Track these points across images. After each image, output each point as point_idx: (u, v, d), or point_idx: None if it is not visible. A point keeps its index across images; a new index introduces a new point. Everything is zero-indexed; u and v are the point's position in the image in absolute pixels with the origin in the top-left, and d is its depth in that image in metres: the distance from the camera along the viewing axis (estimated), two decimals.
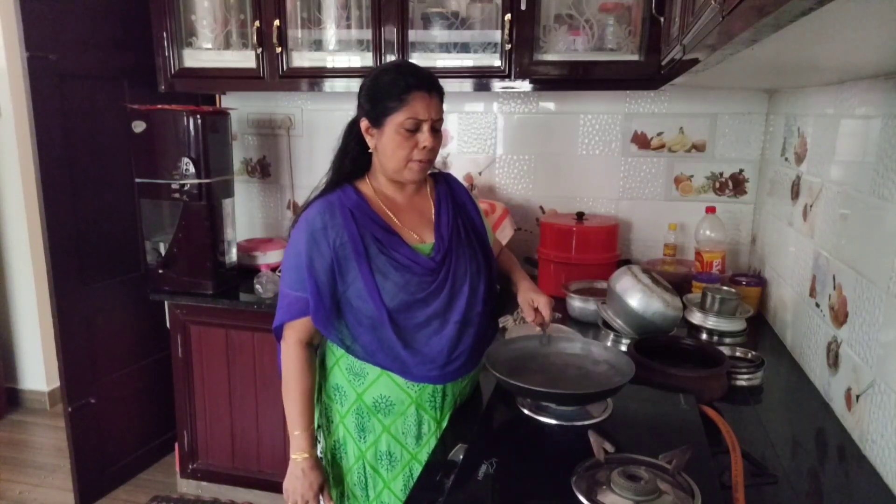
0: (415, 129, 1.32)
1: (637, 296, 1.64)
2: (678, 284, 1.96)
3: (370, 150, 1.38)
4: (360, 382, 1.39)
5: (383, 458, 1.41)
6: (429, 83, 1.34)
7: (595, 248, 2.25)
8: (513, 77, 2.18)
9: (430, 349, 1.36)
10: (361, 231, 1.33)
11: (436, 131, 1.35)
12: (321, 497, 1.42)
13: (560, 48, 2.18)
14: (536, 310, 1.44)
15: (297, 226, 1.37)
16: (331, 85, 2.34)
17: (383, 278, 1.32)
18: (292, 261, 1.36)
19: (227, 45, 2.47)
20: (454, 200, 1.49)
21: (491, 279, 1.48)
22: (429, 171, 1.44)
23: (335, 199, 1.36)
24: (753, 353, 1.61)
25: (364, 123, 1.36)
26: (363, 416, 1.40)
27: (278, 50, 2.31)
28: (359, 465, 1.43)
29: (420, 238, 1.40)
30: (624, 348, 1.63)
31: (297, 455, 1.39)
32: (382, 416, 1.39)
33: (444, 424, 1.42)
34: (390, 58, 2.24)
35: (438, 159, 2.61)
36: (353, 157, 1.41)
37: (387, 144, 1.34)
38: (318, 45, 2.39)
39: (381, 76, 1.35)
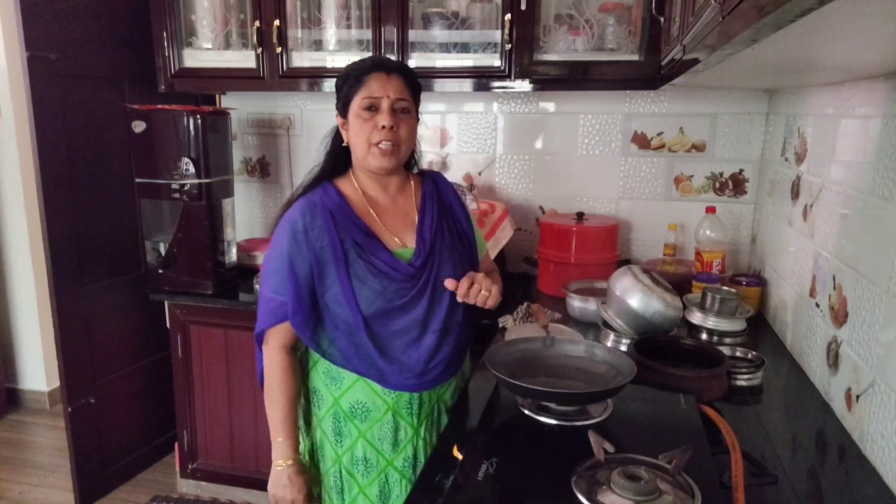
0: (372, 108, 1.30)
1: (637, 296, 1.64)
2: (678, 284, 1.96)
3: (345, 145, 1.37)
4: (336, 387, 1.37)
5: (359, 463, 1.39)
6: (387, 65, 1.33)
7: (595, 248, 2.25)
8: (513, 77, 2.18)
9: (407, 357, 1.33)
10: (341, 235, 1.30)
11: (400, 113, 1.32)
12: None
13: (560, 48, 2.18)
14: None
15: (280, 226, 1.34)
16: (331, 85, 2.32)
17: (360, 284, 1.29)
18: (275, 263, 1.32)
19: (227, 45, 2.47)
20: (441, 202, 1.44)
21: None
22: (399, 161, 1.36)
23: (317, 199, 1.33)
24: (753, 353, 1.61)
25: (338, 119, 1.37)
26: (340, 421, 1.38)
27: (278, 50, 2.31)
28: (335, 468, 1.41)
29: (402, 242, 1.37)
30: (624, 348, 1.63)
31: (282, 462, 1.37)
32: (359, 422, 1.37)
33: (422, 431, 1.40)
34: (390, 58, 2.24)
35: (437, 159, 2.61)
36: (334, 155, 1.40)
37: (351, 132, 1.33)
38: (318, 45, 2.39)
39: (346, 69, 1.35)
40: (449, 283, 1.32)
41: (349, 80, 1.33)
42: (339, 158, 1.40)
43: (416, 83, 1.37)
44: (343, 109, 1.35)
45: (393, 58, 2.20)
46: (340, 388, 1.37)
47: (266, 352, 1.38)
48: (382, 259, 1.32)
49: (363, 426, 1.37)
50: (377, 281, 1.30)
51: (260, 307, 1.36)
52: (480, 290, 1.31)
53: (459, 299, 1.32)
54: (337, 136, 1.41)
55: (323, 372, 1.39)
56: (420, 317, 1.33)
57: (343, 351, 1.33)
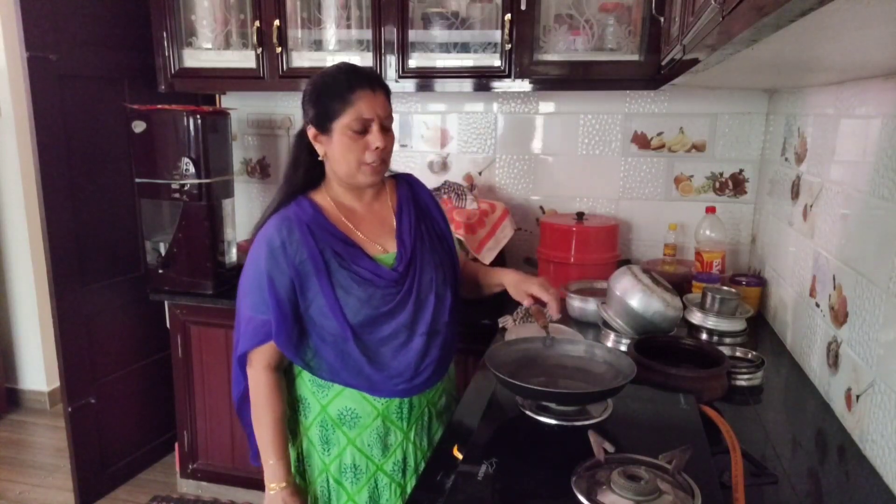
0: (363, 130, 1.26)
1: (637, 296, 1.64)
2: (678, 284, 1.96)
3: (321, 159, 1.33)
4: (324, 394, 1.35)
5: (348, 470, 1.37)
6: (372, 80, 1.29)
7: (595, 248, 2.25)
8: (513, 77, 2.18)
9: (397, 363, 1.32)
10: (320, 246, 1.28)
11: (386, 130, 1.30)
12: None
13: (560, 48, 2.18)
14: (538, 299, 1.38)
15: (255, 243, 1.31)
16: None
17: (345, 294, 1.27)
18: (253, 282, 1.29)
19: (227, 45, 2.47)
20: (417, 204, 1.43)
21: (457, 287, 1.43)
22: (386, 173, 1.37)
23: (292, 213, 1.30)
24: (753, 353, 1.61)
25: (311, 131, 1.31)
26: (327, 429, 1.36)
27: (278, 50, 2.31)
28: (322, 478, 1.39)
29: (383, 248, 1.35)
30: (624, 348, 1.63)
31: (275, 485, 1.34)
32: (347, 429, 1.35)
33: (412, 435, 1.39)
34: (390, 58, 2.24)
35: (438, 159, 2.62)
36: (305, 168, 1.35)
37: (336, 150, 1.28)
38: (318, 45, 2.39)
39: (322, 79, 1.30)
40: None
41: (334, 97, 1.26)
42: (311, 173, 1.36)
43: (390, 92, 1.34)
44: (323, 126, 1.28)
45: (393, 58, 2.23)
46: (328, 396, 1.35)
47: (251, 374, 1.34)
48: (365, 266, 1.30)
49: (352, 433, 1.35)
50: (362, 289, 1.28)
51: (240, 328, 1.32)
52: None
53: (556, 317, 1.38)
54: (304, 148, 1.35)
55: (309, 380, 1.37)
56: (407, 321, 1.32)
57: (330, 364, 1.31)
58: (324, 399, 1.36)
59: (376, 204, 1.40)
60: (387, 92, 1.32)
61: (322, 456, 1.38)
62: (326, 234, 1.30)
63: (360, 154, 1.28)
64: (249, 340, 1.31)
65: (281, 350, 1.30)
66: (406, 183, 1.46)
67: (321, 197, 1.36)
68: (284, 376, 1.40)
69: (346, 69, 1.31)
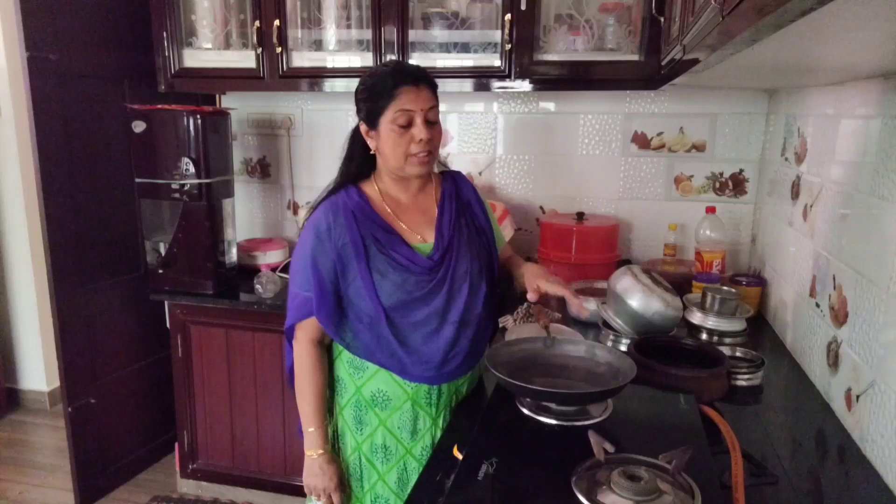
0: (408, 124, 1.33)
1: (637, 296, 1.64)
2: (678, 284, 1.96)
3: (373, 153, 1.41)
4: (359, 376, 1.42)
5: (379, 450, 1.43)
6: (414, 75, 1.35)
7: (595, 248, 2.25)
8: (513, 77, 2.18)
9: (427, 349, 1.38)
10: (362, 232, 1.36)
11: (431, 123, 1.35)
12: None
13: (560, 48, 2.18)
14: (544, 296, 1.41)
15: (305, 228, 1.41)
16: (331, 85, 2.34)
17: (381, 277, 1.35)
18: (300, 262, 1.39)
19: (227, 45, 2.47)
20: (459, 199, 1.50)
21: (493, 280, 1.48)
22: (434, 165, 1.45)
23: (339, 200, 1.40)
24: (753, 353, 1.61)
25: (363, 127, 1.40)
26: (361, 409, 1.43)
27: (278, 50, 2.31)
28: (355, 456, 1.46)
29: (422, 238, 1.42)
30: (624, 348, 1.63)
31: (313, 451, 1.43)
32: (379, 410, 1.42)
33: (440, 421, 1.44)
34: (390, 58, 2.24)
35: (439, 159, 2.61)
36: (358, 162, 1.44)
37: (385, 143, 1.36)
38: (318, 45, 2.39)
39: (370, 79, 1.38)
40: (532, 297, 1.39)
41: (380, 95, 1.33)
42: (363, 165, 1.45)
43: (436, 86, 1.40)
44: (372, 122, 1.36)
45: (393, 59, 2.23)
46: (363, 377, 1.41)
47: (296, 346, 1.43)
48: (402, 253, 1.37)
49: (383, 414, 1.42)
50: (397, 274, 1.35)
51: (288, 303, 1.42)
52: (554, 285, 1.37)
53: (532, 297, 1.39)
54: (358, 143, 1.43)
55: (347, 361, 1.43)
56: (439, 308, 1.38)
57: (366, 344, 1.38)
58: (359, 380, 1.42)
59: (421, 196, 1.47)
60: (431, 86, 1.37)
61: (355, 435, 1.45)
62: (369, 222, 1.38)
63: (407, 147, 1.34)
64: (294, 314, 1.41)
65: (321, 325, 1.38)
66: (451, 178, 1.53)
67: (370, 187, 1.44)
68: (327, 360, 1.48)
69: (392, 67, 1.38)
